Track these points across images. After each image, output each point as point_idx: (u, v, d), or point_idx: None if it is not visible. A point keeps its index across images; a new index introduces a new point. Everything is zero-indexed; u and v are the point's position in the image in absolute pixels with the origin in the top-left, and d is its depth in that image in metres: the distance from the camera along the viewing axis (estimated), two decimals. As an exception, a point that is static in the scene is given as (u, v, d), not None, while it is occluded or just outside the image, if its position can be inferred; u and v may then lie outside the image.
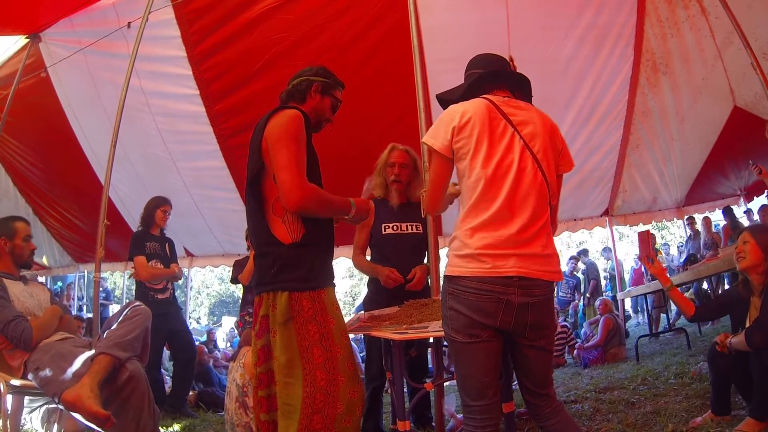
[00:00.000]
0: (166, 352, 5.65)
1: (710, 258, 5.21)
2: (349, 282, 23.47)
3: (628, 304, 9.63)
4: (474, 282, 1.58)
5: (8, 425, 2.44)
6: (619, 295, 7.31)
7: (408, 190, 2.97)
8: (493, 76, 1.79)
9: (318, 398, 1.70)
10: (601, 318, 5.74)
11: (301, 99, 2.01)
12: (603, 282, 9.33)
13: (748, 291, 2.57)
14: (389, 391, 2.72)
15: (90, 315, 7.13)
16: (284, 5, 4.23)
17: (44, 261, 8.01)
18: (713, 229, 7.63)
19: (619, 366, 4.80)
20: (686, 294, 6.89)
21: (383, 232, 2.93)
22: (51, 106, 5.43)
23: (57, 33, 4.88)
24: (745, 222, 7.05)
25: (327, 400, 1.71)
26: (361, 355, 4.66)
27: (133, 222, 5.57)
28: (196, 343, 5.69)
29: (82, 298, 9.54)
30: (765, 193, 6.64)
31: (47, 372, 2.33)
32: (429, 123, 2.78)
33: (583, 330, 6.85)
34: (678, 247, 10.58)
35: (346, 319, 2.05)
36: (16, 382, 2.43)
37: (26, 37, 4.94)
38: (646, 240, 3.05)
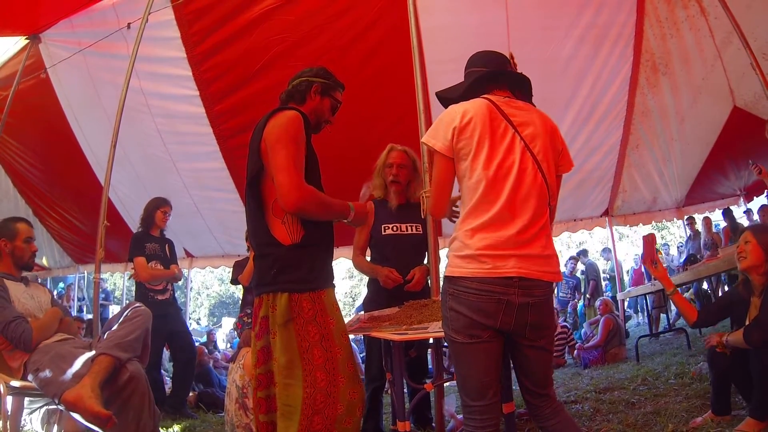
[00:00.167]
0: (166, 353, 5.65)
1: (710, 258, 5.21)
2: (349, 283, 23.47)
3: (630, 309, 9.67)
4: (474, 282, 1.58)
5: (8, 426, 2.44)
6: (619, 296, 7.31)
7: (407, 190, 2.97)
8: (494, 76, 1.78)
9: (318, 399, 1.70)
10: (601, 318, 5.74)
11: (300, 100, 2.00)
12: (603, 283, 9.31)
13: (749, 291, 2.57)
14: (389, 391, 2.72)
15: (90, 316, 7.13)
16: (284, 6, 4.23)
17: (44, 262, 8.01)
18: (713, 229, 7.63)
19: (619, 366, 4.79)
20: (686, 294, 6.89)
21: (383, 233, 2.93)
22: (51, 107, 5.43)
23: (57, 34, 4.89)
24: (745, 222, 7.06)
25: (327, 400, 1.71)
26: (361, 355, 4.66)
27: (133, 223, 5.58)
28: (196, 344, 5.69)
29: (83, 298, 9.54)
30: (765, 193, 6.64)
31: (47, 373, 2.33)
32: (429, 124, 2.77)
33: (583, 330, 6.85)
34: (678, 248, 10.58)
35: (346, 319, 2.05)
36: (16, 383, 2.43)
37: (26, 38, 4.95)
38: (650, 243, 3.04)
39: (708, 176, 6.24)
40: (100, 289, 6.07)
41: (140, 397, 2.34)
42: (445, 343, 1.94)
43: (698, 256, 6.67)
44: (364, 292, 3.46)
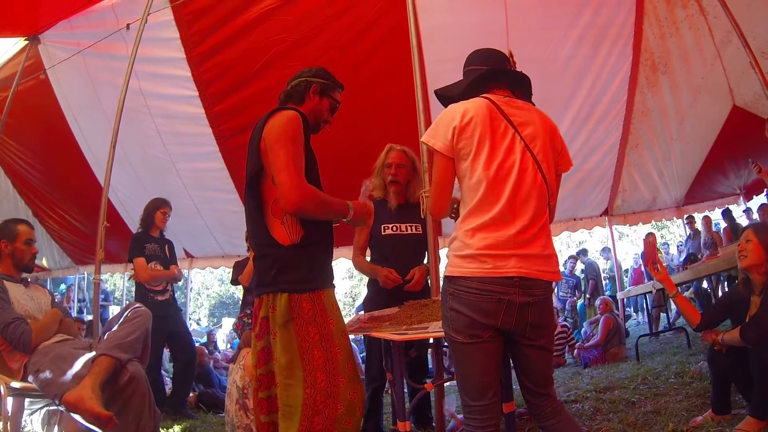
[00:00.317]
0: (167, 354, 5.65)
1: (710, 257, 5.21)
2: (349, 283, 23.48)
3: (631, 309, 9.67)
4: (475, 282, 1.58)
5: (9, 427, 2.44)
6: (619, 295, 7.32)
7: (407, 190, 2.97)
8: (494, 75, 1.77)
9: (318, 399, 1.70)
10: (601, 317, 5.74)
11: (299, 100, 2.00)
12: (603, 282, 9.31)
13: (749, 290, 2.56)
14: (389, 391, 2.72)
15: (90, 317, 7.13)
16: (283, 6, 4.23)
17: (44, 263, 8.02)
18: (713, 228, 7.63)
19: (620, 365, 4.80)
20: (686, 293, 6.90)
21: (382, 233, 2.93)
22: (50, 107, 5.44)
23: (56, 35, 4.89)
24: (744, 221, 7.06)
25: (327, 401, 1.71)
26: (361, 355, 4.66)
27: (133, 224, 5.58)
28: (196, 344, 5.69)
29: (83, 299, 9.54)
30: (764, 192, 6.64)
31: (47, 374, 2.33)
32: (428, 123, 2.77)
33: (583, 329, 6.85)
34: (677, 247, 10.59)
35: (346, 320, 2.05)
36: (16, 384, 2.43)
37: (25, 39, 4.96)
38: (651, 246, 3.04)
39: (707, 175, 6.24)
40: (100, 290, 6.08)
41: (141, 397, 2.34)
42: (446, 343, 1.95)
43: (698, 256, 6.67)
44: (364, 292, 3.46)
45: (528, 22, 4.41)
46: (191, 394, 4.63)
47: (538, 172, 1.66)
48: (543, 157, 1.68)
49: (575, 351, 5.87)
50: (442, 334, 1.75)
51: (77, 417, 2.19)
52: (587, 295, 8.62)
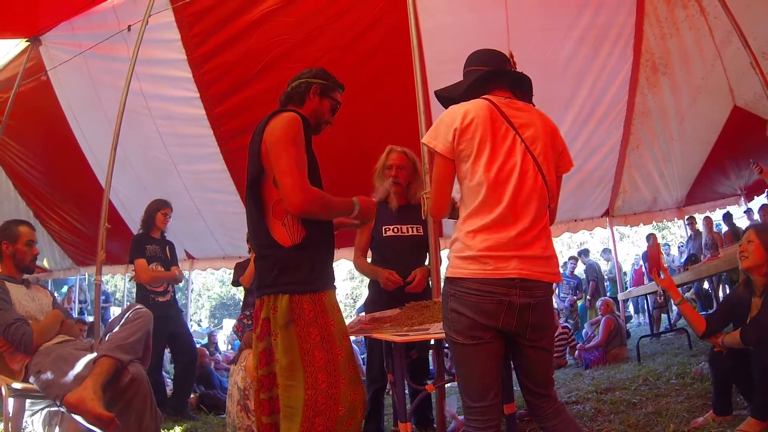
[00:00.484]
0: (168, 355, 5.65)
1: (711, 258, 5.21)
2: (350, 284, 23.47)
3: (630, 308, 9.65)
4: (476, 283, 1.58)
5: (10, 428, 2.44)
6: (620, 296, 7.31)
7: (408, 192, 2.97)
8: (495, 76, 1.77)
9: (319, 401, 1.70)
10: (602, 318, 5.73)
11: (299, 101, 2.00)
12: (605, 284, 9.29)
13: (750, 291, 2.55)
14: (390, 393, 2.72)
15: (91, 318, 7.14)
16: (284, 7, 4.23)
17: (45, 264, 8.02)
18: (714, 229, 7.63)
19: (621, 366, 4.79)
20: (687, 294, 6.89)
21: (384, 234, 2.93)
22: (51, 109, 5.44)
23: (57, 36, 4.90)
24: (745, 222, 7.05)
25: (328, 402, 1.71)
26: (362, 357, 4.67)
27: (134, 225, 5.58)
28: (197, 345, 5.69)
29: (84, 300, 9.54)
30: (765, 193, 6.63)
31: (49, 375, 2.33)
32: (429, 124, 2.77)
33: (584, 331, 6.84)
34: (678, 247, 10.58)
35: (347, 321, 2.05)
36: (17, 385, 2.43)
37: (27, 41, 4.97)
38: (655, 253, 3.03)
39: (708, 176, 6.23)
40: (101, 291, 6.08)
41: (142, 398, 2.34)
42: (447, 345, 1.95)
43: (699, 256, 6.67)
44: (365, 293, 3.46)
45: (528, 22, 4.41)
46: (192, 396, 4.64)
47: (539, 174, 1.66)
48: (543, 159, 1.68)
49: (576, 352, 5.87)
50: (443, 335, 1.75)
51: (78, 418, 2.19)
52: (588, 296, 8.61)
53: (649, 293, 6.35)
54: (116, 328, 2.49)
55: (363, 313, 2.96)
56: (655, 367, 4.26)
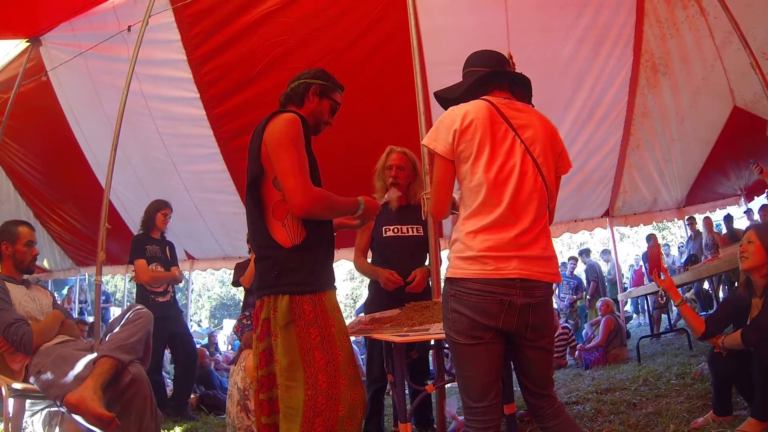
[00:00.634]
0: (168, 355, 5.65)
1: (711, 258, 5.20)
2: (350, 284, 23.47)
3: (630, 306, 9.65)
4: (476, 284, 1.59)
5: (10, 429, 2.44)
6: (620, 296, 7.31)
7: (408, 192, 2.97)
8: (495, 77, 1.77)
9: (320, 401, 1.70)
10: (603, 319, 5.73)
11: (299, 102, 2.00)
12: (605, 285, 9.29)
13: (750, 292, 2.54)
14: (390, 393, 2.72)
15: (91, 318, 7.14)
16: (284, 8, 4.24)
17: (45, 264, 8.02)
18: (714, 229, 7.63)
19: (621, 367, 4.79)
20: (686, 294, 6.89)
21: (384, 235, 2.93)
22: (51, 109, 5.44)
23: (57, 37, 4.90)
24: (745, 223, 7.05)
25: (329, 402, 1.71)
26: (362, 357, 4.66)
27: (134, 225, 5.59)
28: (197, 346, 5.69)
29: (84, 301, 9.55)
30: (765, 193, 6.63)
31: (49, 375, 2.33)
32: (429, 125, 2.77)
33: (584, 331, 6.85)
34: (679, 248, 10.57)
35: (347, 321, 2.05)
36: (17, 385, 2.43)
37: (27, 41, 4.97)
38: (655, 255, 3.03)
39: (708, 176, 6.23)
40: (101, 292, 6.08)
41: (142, 399, 2.34)
42: (447, 345, 1.95)
43: (699, 257, 6.67)
44: (365, 293, 3.46)
45: (528, 23, 4.41)
46: (192, 396, 4.64)
47: (539, 175, 1.67)
48: (543, 160, 1.68)
49: (576, 352, 5.87)
50: (443, 335, 1.75)
51: (79, 418, 2.19)
52: (588, 296, 8.61)
53: (649, 294, 6.35)
54: (117, 329, 2.49)
55: (362, 314, 2.96)
56: (655, 367, 4.26)
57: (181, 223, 5.74)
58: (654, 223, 6.90)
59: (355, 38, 4.42)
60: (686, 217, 7.28)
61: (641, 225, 6.85)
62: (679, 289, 3.06)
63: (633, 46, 4.71)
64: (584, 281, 8.98)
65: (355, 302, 21.52)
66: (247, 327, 3.31)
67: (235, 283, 4.08)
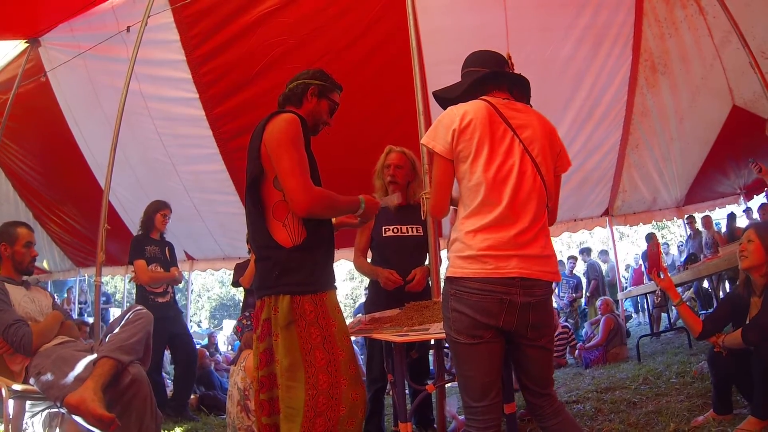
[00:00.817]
0: (168, 356, 5.65)
1: (710, 257, 5.21)
2: (350, 284, 23.45)
3: (628, 303, 9.65)
4: (477, 283, 1.59)
5: (10, 430, 2.44)
6: (619, 295, 7.31)
7: (407, 191, 2.97)
8: (494, 77, 1.78)
9: (320, 401, 1.70)
10: (602, 318, 5.74)
11: (297, 102, 2.00)
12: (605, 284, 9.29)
13: (749, 291, 2.54)
14: (391, 393, 2.72)
15: (91, 319, 7.13)
16: (283, 8, 4.24)
17: (45, 265, 8.02)
18: (714, 228, 7.63)
19: (621, 366, 4.79)
20: (686, 293, 6.89)
21: (383, 235, 2.93)
22: (51, 110, 5.44)
23: (56, 37, 4.90)
24: (744, 221, 7.05)
25: (329, 402, 1.71)
26: (362, 357, 4.66)
27: (134, 226, 5.58)
28: (197, 346, 5.69)
29: (84, 302, 9.54)
30: (765, 192, 6.64)
31: (49, 376, 2.33)
32: (428, 125, 2.76)
33: (584, 330, 6.85)
34: (678, 247, 10.58)
35: (348, 321, 2.05)
36: (17, 386, 2.43)
37: (26, 42, 4.97)
38: (655, 254, 3.03)
39: (708, 175, 6.24)
40: (101, 292, 6.08)
41: (142, 399, 2.34)
42: (447, 344, 1.95)
43: (699, 256, 6.67)
44: (363, 294, 3.46)
45: (527, 23, 4.41)
46: (192, 396, 4.63)
47: (537, 175, 1.67)
48: (542, 160, 1.69)
49: (576, 351, 5.87)
50: (444, 335, 1.76)
51: (79, 419, 2.19)
52: (587, 295, 8.61)
53: (648, 293, 6.35)
54: (117, 329, 2.49)
55: (361, 314, 2.96)
56: (655, 366, 4.26)
57: (181, 224, 5.73)
58: (653, 222, 6.90)
59: (354, 38, 4.42)
60: (685, 216, 7.29)
61: (641, 224, 6.85)
62: (679, 288, 3.06)
63: (632, 45, 4.72)
64: (584, 280, 8.99)
65: (355, 302, 21.50)
66: (247, 327, 3.31)
67: (235, 283, 4.08)
